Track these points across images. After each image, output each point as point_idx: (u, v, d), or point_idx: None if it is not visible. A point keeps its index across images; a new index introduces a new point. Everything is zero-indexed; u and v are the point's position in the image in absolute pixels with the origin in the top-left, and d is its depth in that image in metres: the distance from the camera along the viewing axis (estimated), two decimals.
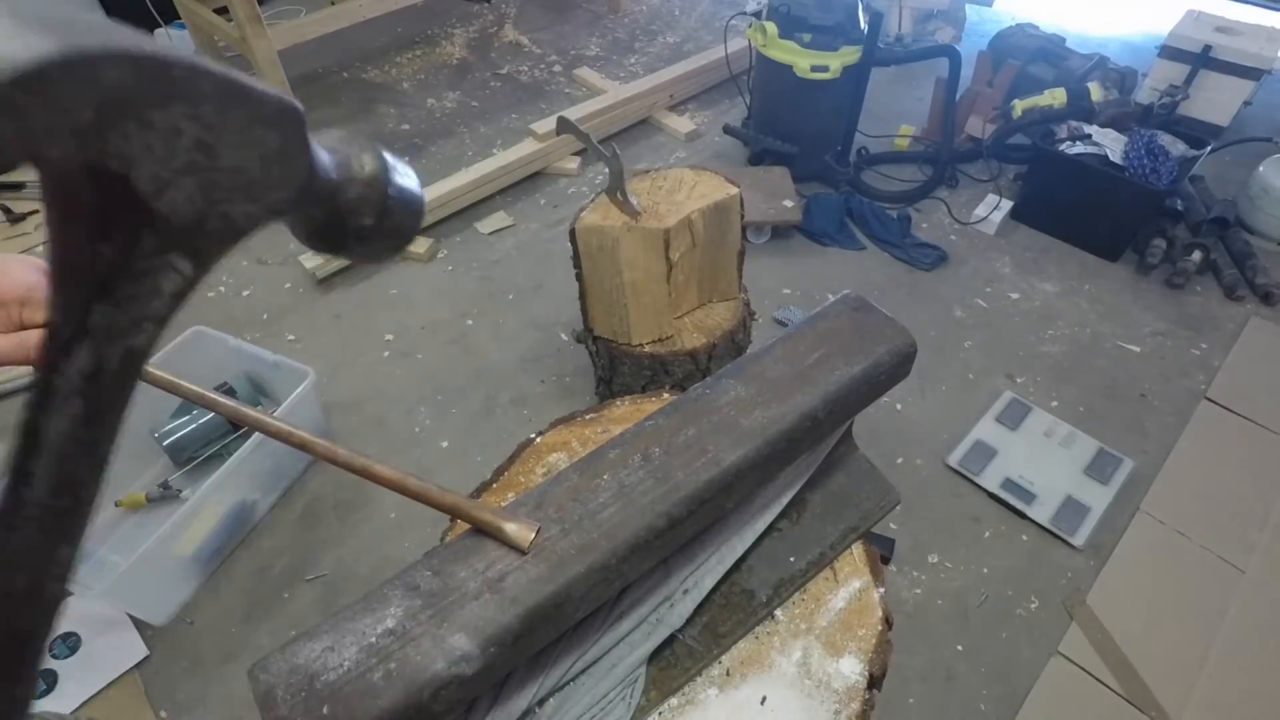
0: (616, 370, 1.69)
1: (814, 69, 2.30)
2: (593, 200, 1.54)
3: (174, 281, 0.30)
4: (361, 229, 0.38)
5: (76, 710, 1.39)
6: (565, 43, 3.51)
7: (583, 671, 0.77)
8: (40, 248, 2.38)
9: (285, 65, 2.61)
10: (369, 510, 1.72)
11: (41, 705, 1.35)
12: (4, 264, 0.60)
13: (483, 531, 0.67)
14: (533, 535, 0.67)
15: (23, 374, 1.97)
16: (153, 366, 0.61)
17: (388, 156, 0.38)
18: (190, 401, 0.61)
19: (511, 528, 0.67)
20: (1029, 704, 1.43)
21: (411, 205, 0.39)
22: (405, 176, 0.39)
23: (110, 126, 0.24)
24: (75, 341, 0.29)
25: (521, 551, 0.66)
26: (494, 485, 1.00)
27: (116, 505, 1.68)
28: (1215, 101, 2.78)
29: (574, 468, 0.74)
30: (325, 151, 0.35)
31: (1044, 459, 1.82)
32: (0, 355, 0.59)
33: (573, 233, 1.50)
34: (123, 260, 0.28)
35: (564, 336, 2.12)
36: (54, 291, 0.29)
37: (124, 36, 0.24)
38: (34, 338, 0.59)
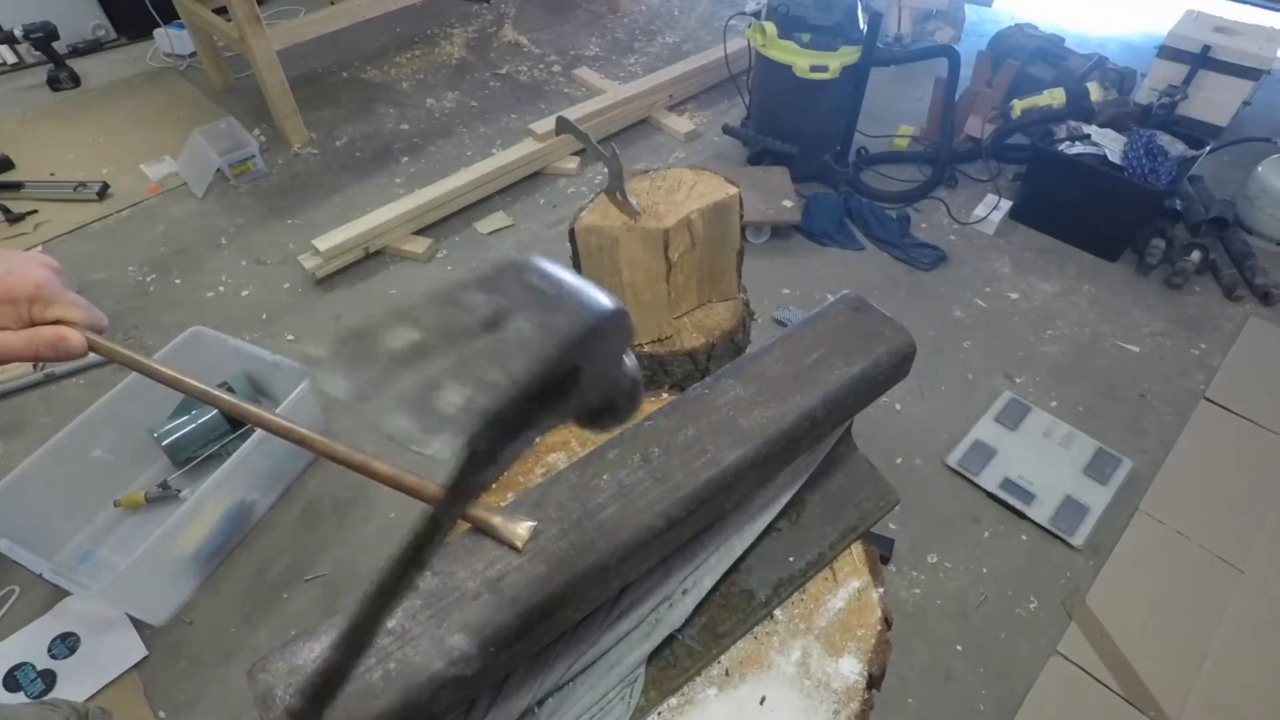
0: None
1: (813, 69, 2.30)
2: (592, 200, 1.54)
3: (545, 430, 0.41)
4: (619, 410, 0.51)
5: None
6: (564, 43, 3.51)
7: (582, 671, 0.77)
8: (40, 247, 2.38)
9: (284, 65, 2.61)
10: (368, 510, 1.72)
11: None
12: (13, 262, 0.59)
13: (479, 530, 0.67)
14: (528, 534, 0.67)
15: (23, 372, 1.97)
16: (155, 362, 0.61)
17: (635, 359, 0.51)
18: (192, 397, 0.61)
19: (507, 526, 0.67)
20: (1028, 704, 1.43)
21: (642, 392, 0.52)
22: (640, 372, 0.51)
23: (598, 345, 0.38)
24: (488, 465, 0.39)
25: (517, 550, 0.66)
26: (493, 485, 1.00)
27: (115, 505, 1.68)
28: (1214, 102, 2.78)
29: (573, 467, 0.74)
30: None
31: (1043, 459, 1.82)
32: (10, 352, 0.58)
33: (572, 233, 1.49)
34: (535, 416, 0.38)
35: None
36: (486, 432, 0.36)
37: (614, 298, 0.39)
38: (44, 335, 0.58)
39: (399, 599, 0.43)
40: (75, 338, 0.59)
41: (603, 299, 0.38)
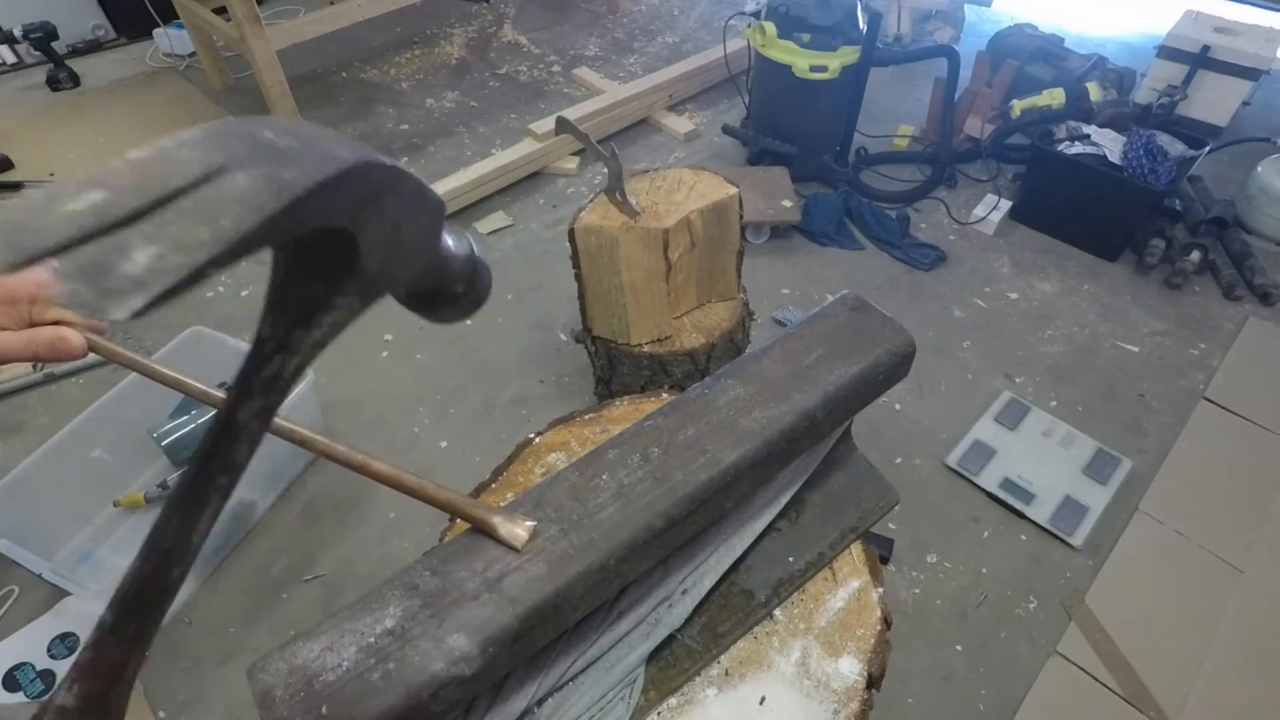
0: (615, 370, 1.69)
1: (813, 69, 2.31)
2: (591, 200, 1.54)
3: (344, 315, 0.40)
4: (454, 294, 0.49)
5: None
6: (564, 43, 3.52)
7: (581, 671, 0.77)
8: None
9: (284, 65, 2.61)
10: (368, 510, 1.72)
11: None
12: None
13: (479, 530, 0.67)
14: (528, 535, 0.67)
15: (23, 372, 1.97)
16: (154, 363, 0.62)
17: (475, 242, 0.50)
18: (192, 398, 0.61)
19: (506, 526, 0.67)
20: (1027, 704, 1.43)
21: (487, 279, 0.51)
22: (484, 257, 0.51)
23: (362, 205, 0.35)
24: (276, 353, 0.39)
25: (516, 550, 0.66)
26: (493, 485, 1.00)
27: (115, 505, 1.68)
28: (1214, 101, 2.78)
29: (573, 467, 0.74)
30: (445, 235, 0.47)
31: (1043, 459, 1.82)
32: (8, 352, 0.57)
33: (571, 233, 1.50)
34: (326, 297, 0.38)
35: (563, 336, 2.12)
36: (270, 316, 0.39)
37: (372, 151, 0.35)
38: (43, 335, 0.58)
39: (208, 502, 0.41)
40: (74, 338, 0.58)
41: (359, 152, 0.34)
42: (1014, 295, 2.29)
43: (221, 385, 0.59)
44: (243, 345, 1.77)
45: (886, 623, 0.86)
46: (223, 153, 0.30)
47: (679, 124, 2.93)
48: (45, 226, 0.27)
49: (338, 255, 0.36)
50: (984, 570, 1.64)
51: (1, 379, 1.96)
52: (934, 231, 2.50)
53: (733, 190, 1.54)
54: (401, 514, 1.70)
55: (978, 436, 1.87)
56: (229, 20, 2.54)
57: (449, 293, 0.48)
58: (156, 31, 3.30)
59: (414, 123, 2.99)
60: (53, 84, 3.11)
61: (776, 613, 0.87)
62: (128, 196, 0.28)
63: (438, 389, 1.99)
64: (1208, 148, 2.35)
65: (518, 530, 0.66)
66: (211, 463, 0.40)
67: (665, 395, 1.12)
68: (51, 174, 2.64)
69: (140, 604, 0.42)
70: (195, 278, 0.27)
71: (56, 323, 0.59)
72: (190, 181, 0.29)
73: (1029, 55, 2.91)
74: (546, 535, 0.68)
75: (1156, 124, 2.59)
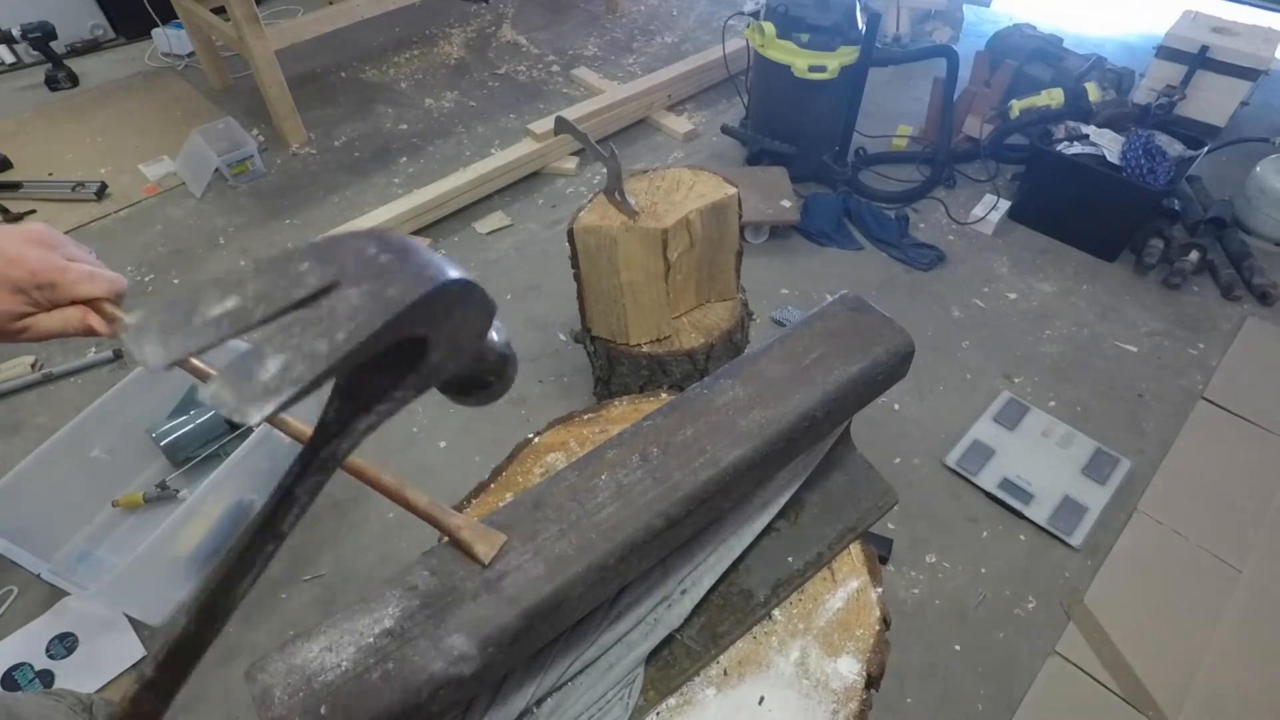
0: (614, 370, 1.69)
1: (812, 69, 2.31)
2: (590, 200, 1.54)
3: (398, 404, 0.42)
4: (486, 384, 0.52)
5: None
6: (563, 42, 3.51)
7: (580, 671, 0.77)
8: None
9: (283, 65, 2.61)
10: (367, 510, 1.72)
11: None
12: (4, 246, 0.59)
13: (452, 540, 0.66)
14: (495, 550, 0.66)
15: (21, 372, 1.96)
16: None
17: (508, 336, 0.51)
18: (189, 372, 0.61)
19: (475, 539, 0.65)
20: (1026, 704, 1.43)
21: (514, 370, 0.53)
22: (512, 348, 0.53)
23: (440, 315, 0.38)
24: (336, 437, 0.42)
25: (482, 565, 0.65)
26: (492, 485, 1.00)
27: (114, 505, 1.68)
28: (1212, 102, 2.78)
29: (572, 467, 0.74)
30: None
31: (1041, 459, 1.82)
32: (48, 332, 0.62)
33: (570, 233, 1.50)
34: (388, 390, 0.41)
35: (562, 336, 2.12)
36: (335, 403, 0.41)
37: (454, 266, 0.38)
38: (75, 315, 0.61)
39: (254, 568, 0.45)
40: (98, 324, 0.62)
41: (444, 269, 0.37)
42: (1013, 295, 2.29)
43: None
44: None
45: (885, 623, 0.86)
46: (335, 267, 0.34)
47: (678, 124, 2.93)
48: (191, 330, 0.32)
49: (406, 354, 0.39)
50: (983, 570, 1.64)
51: (1, 379, 1.96)
52: (933, 231, 2.50)
53: (732, 190, 1.54)
54: (400, 514, 1.69)
55: (977, 436, 1.87)
56: (228, 20, 2.54)
57: (482, 382, 0.52)
58: (155, 31, 3.29)
59: (413, 123, 2.98)
60: (51, 84, 3.10)
61: (775, 613, 0.87)
62: (258, 306, 0.32)
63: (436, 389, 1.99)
64: (1206, 148, 2.35)
65: (485, 545, 0.66)
66: (265, 532, 0.43)
67: (664, 395, 1.12)
68: (50, 174, 2.64)
69: (180, 661, 0.44)
70: (315, 385, 0.32)
71: (73, 302, 0.62)
72: (309, 293, 0.33)
73: (1028, 55, 2.91)
74: (546, 535, 0.68)
75: (1155, 124, 2.59)
